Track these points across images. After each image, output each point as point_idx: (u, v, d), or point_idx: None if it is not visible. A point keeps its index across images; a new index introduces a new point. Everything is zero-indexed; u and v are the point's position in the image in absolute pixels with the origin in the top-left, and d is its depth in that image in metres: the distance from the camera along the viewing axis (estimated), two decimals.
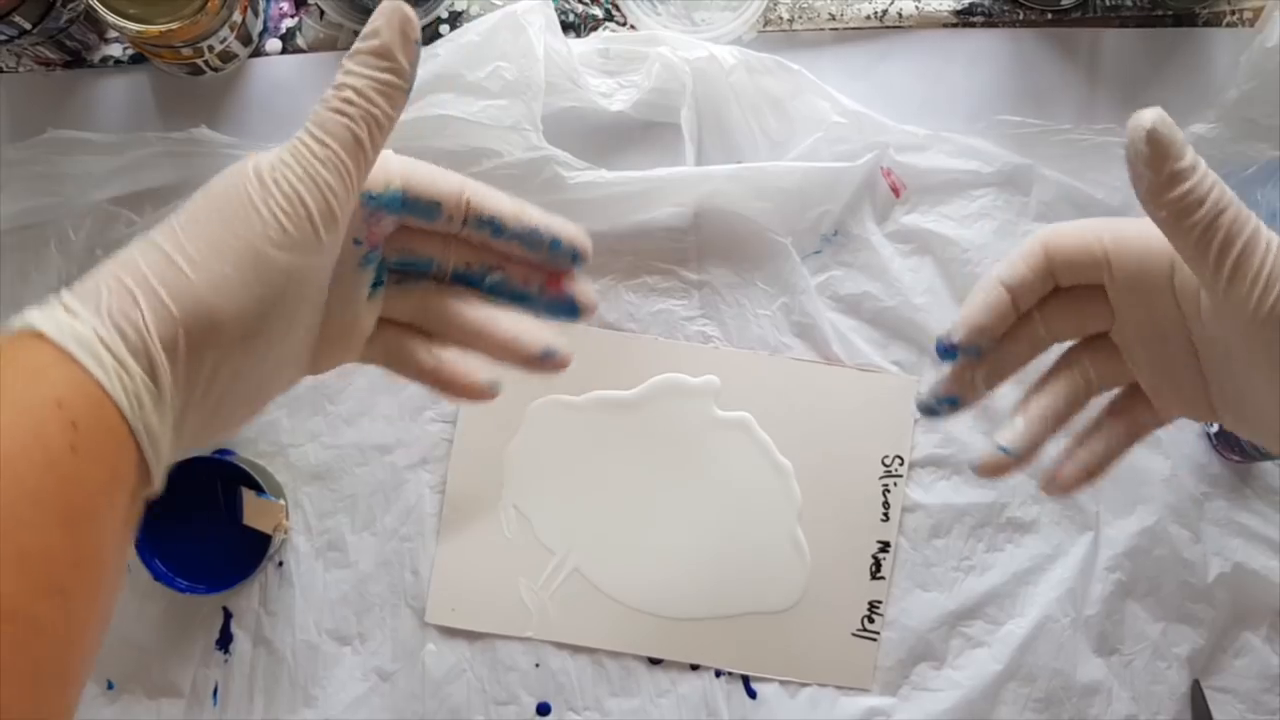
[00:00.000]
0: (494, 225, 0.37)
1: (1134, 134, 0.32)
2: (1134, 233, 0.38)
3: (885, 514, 0.59)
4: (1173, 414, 0.40)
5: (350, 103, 0.32)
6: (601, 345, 0.60)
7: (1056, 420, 0.40)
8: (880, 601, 0.59)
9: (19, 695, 0.26)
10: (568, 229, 0.38)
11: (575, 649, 0.59)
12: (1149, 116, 0.32)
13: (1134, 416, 0.40)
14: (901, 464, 0.59)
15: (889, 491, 0.59)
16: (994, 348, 0.40)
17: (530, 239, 0.37)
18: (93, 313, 0.30)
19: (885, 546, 0.59)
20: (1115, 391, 0.41)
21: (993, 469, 0.40)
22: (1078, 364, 0.40)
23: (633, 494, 0.59)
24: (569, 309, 0.38)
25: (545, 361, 0.38)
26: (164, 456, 0.31)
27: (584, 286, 0.39)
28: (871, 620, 0.59)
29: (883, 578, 0.59)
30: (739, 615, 0.59)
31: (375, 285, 0.37)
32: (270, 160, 0.32)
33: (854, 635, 0.59)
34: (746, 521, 0.59)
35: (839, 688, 0.58)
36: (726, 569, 0.59)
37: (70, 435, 0.28)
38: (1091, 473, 0.40)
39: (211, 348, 0.31)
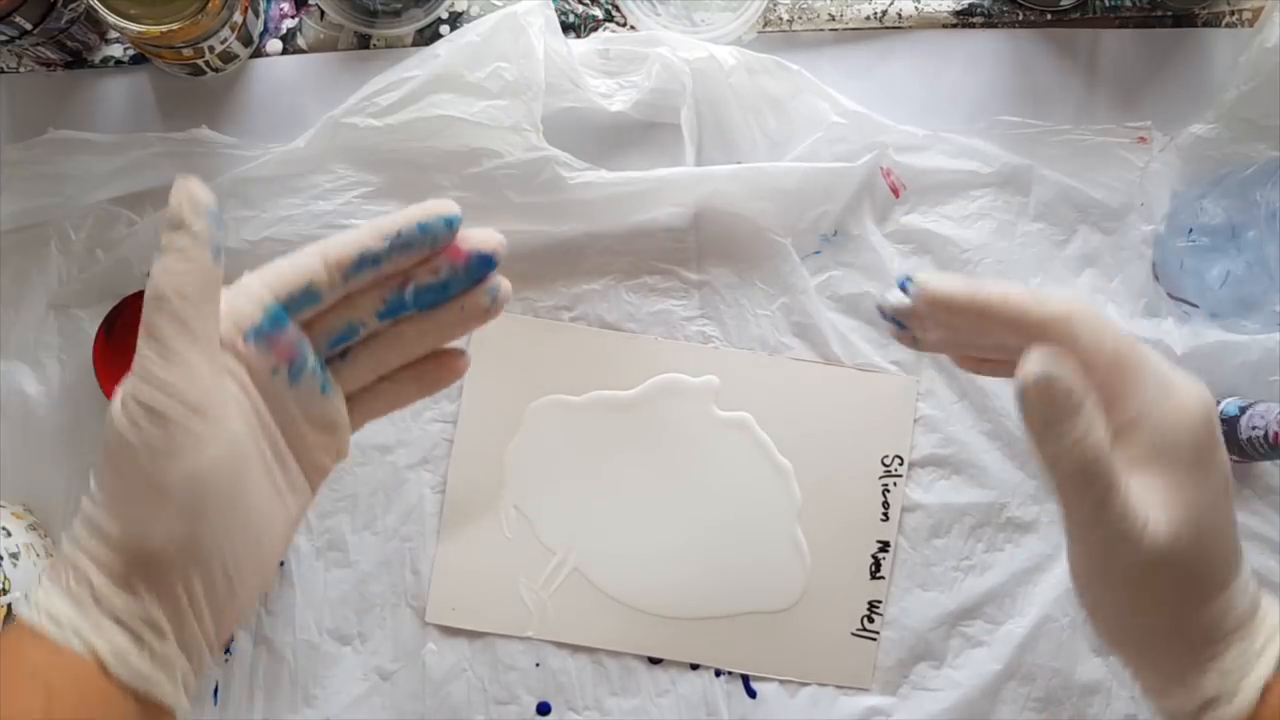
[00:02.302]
0: (367, 260, 0.36)
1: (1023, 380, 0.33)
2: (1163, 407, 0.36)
3: (885, 514, 0.59)
4: None
5: (159, 295, 0.32)
6: (601, 345, 0.60)
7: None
8: (880, 601, 0.59)
9: None
10: (420, 210, 0.37)
11: (575, 649, 0.59)
12: (1038, 366, 0.33)
13: None
14: (901, 464, 0.59)
15: (889, 491, 0.59)
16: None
17: (403, 245, 0.36)
18: (61, 598, 0.32)
19: (885, 546, 0.59)
20: None
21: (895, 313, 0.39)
22: None
23: (633, 494, 0.59)
24: (482, 261, 0.37)
25: (494, 307, 0.38)
26: (174, 679, 0.33)
27: (476, 234, 0.37)
28: (871, 620, 0.59)
29: (882, 577, 0.59)
30: (739, 615, 0.59)
31: (324, 385, 0.37)
32: (126, 387, 0.32)
33: (854, 635, 0.59)
34: (746, 521, 0.59)
35: (839, 687, 0.58)
36: (726, 569, 0.59)
37: (45, 708, 0.31)
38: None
39: (164, 572, 0.32)
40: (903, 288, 0.38)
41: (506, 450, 0.59)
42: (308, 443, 0.37)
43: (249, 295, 0.35)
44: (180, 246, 0.32)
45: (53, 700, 0.31)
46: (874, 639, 0.59)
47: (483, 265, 0.37)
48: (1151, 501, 0.34)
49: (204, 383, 0.33)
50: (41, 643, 0.32)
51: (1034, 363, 0.32)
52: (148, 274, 0.33)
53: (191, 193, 0.33)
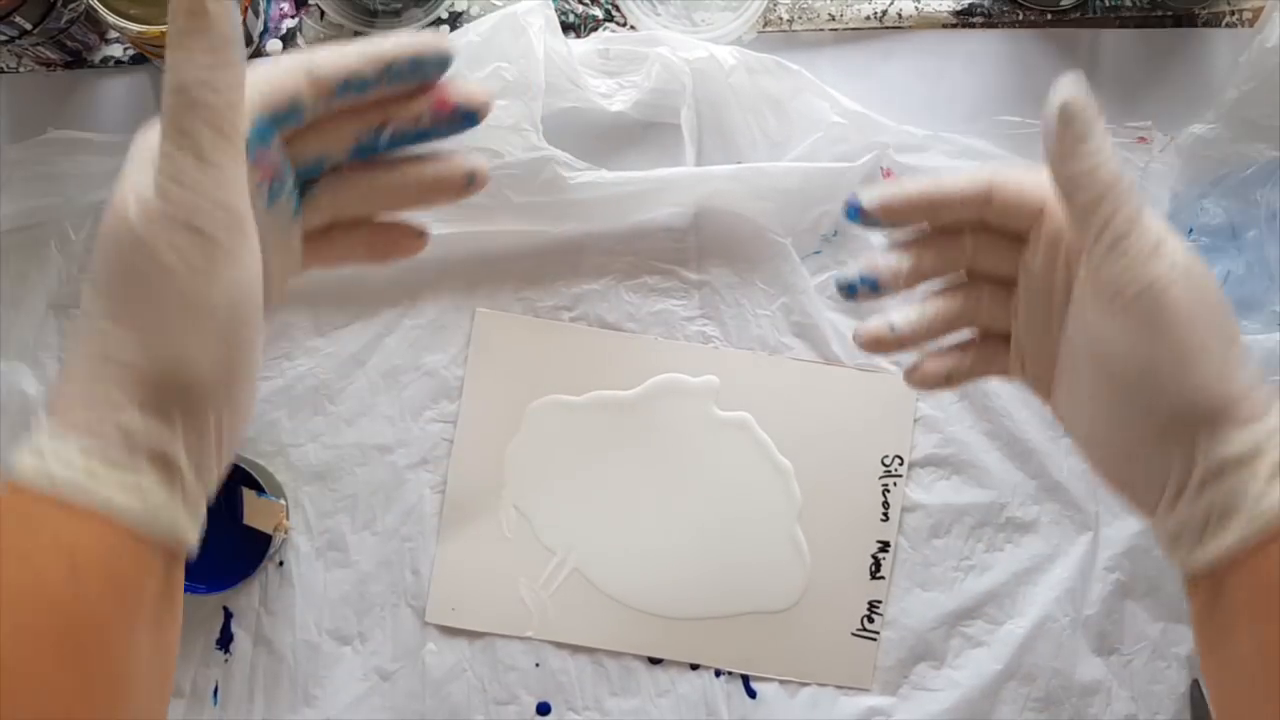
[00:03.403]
0: (353, 85, 0.34)
1: (1050, 106, 0.33)
2: None
3: (885, 514, 0.59)
4: (1015, 378, 0.40)
5: (185, 89, 0.29)
6: (601, 345, 0.60)
7: (943, 327, 0.41)
8: (880, 601, 0.59)
9: None
10: (415, 44, 0.34)
11: (575, 649, 0.59)
12: (1064, 91, 0.33)
13: (992, 357, 0.41)
14: (901, 464, 0.59)
15: (889, 491, 0.59)
16: (914, 242, 0.40)
17: (393, 74, 0.34)
18: (75, 438, 0.29)
19: (885, 546, 0.59)
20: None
21: (874, 342, 0.40)
22: (978, 291, 0.40)
23: (633, 494, 0.59)
24: (467, 118, 0.36)
25: (471, 185, 0.37)
26: (196, 518, 0.31)
27: (466, 86, 0.35)
28: (871, 620, 0.59)
29: (882, 577, 0.59)
30: (739, 615, 0.59)
31: (296, 209, 0.35)
32: (144, 201, 0.29)
33: (854, 635, 0.59)
34: (746, 521, 0.59)
35: (839, 687, 0.58)
36: (726, 569, 0.59)
37: (69, 576, 0.28)
38: (952, 382, 0.41)
39: (199, 402, 0.30)
40: (854, 214, 0.39)
41: (506, 450, 0.59)
42: (269, 269, 0.33)
43: None
44: (201, 31, 0.28)
45: (78, 569, 0.28)
46: (874, 639, 0.59)
47: (466, 121, 0.36)
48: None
49: (241, 193, 0.30)
50: (55, 506, 0.28)
51: (1067, 85, 0.33)
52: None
53: None
